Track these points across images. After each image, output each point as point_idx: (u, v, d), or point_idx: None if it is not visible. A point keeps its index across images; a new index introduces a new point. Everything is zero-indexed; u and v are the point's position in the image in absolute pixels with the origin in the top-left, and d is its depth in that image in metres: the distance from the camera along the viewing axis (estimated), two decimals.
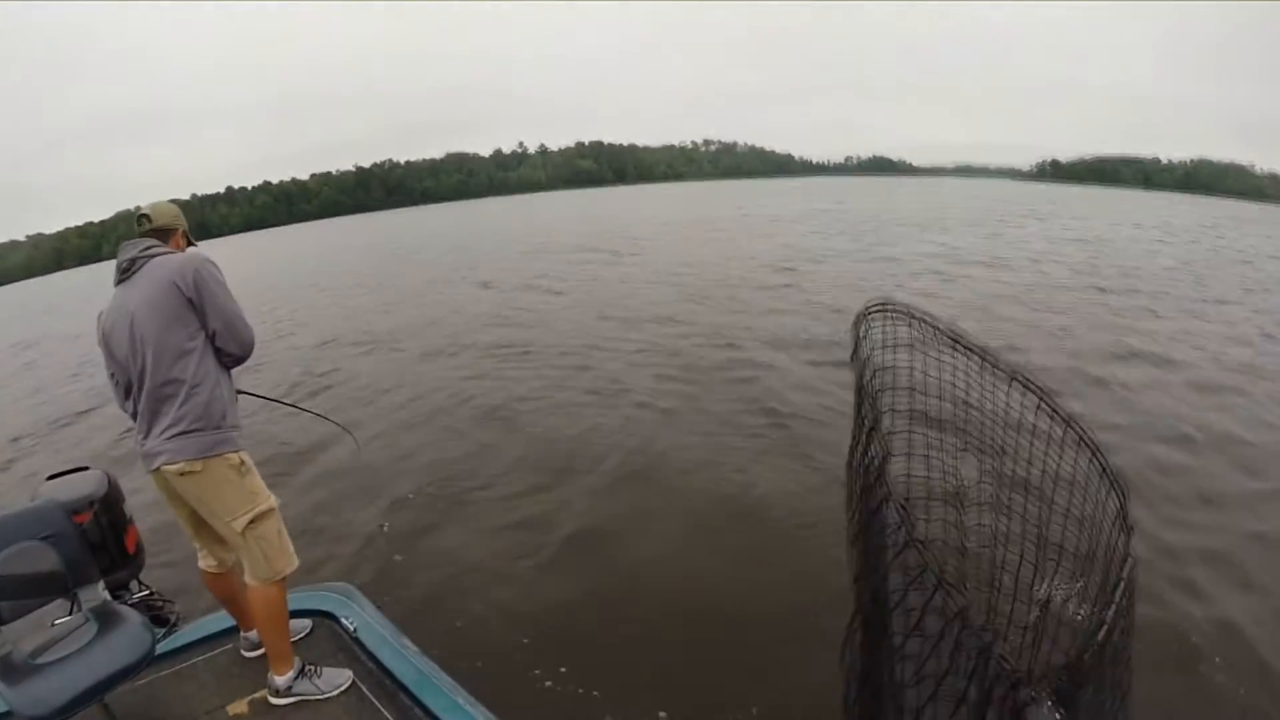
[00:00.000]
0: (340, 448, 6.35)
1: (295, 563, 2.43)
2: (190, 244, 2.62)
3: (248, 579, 2.36)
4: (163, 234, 2.45)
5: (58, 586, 2.48)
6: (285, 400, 4.06)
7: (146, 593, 3.29)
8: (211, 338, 2.28)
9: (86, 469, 3.38)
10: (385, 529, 5.13)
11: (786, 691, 3.23)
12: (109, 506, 3.17)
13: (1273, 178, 77.21)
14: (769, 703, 3.18)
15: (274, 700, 2.34)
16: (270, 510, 2.35)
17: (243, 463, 2.29)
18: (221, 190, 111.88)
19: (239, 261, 31.44)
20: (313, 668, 2.39)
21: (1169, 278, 15.27)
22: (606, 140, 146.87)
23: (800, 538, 4.60)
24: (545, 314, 12.71)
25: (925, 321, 1.64)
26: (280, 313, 15.41)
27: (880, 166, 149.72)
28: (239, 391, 2.80)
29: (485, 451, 6.42)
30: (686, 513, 5.06)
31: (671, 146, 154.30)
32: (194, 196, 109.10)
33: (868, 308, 1.70)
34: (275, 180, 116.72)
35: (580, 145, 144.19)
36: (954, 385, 1.60)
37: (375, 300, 16.34)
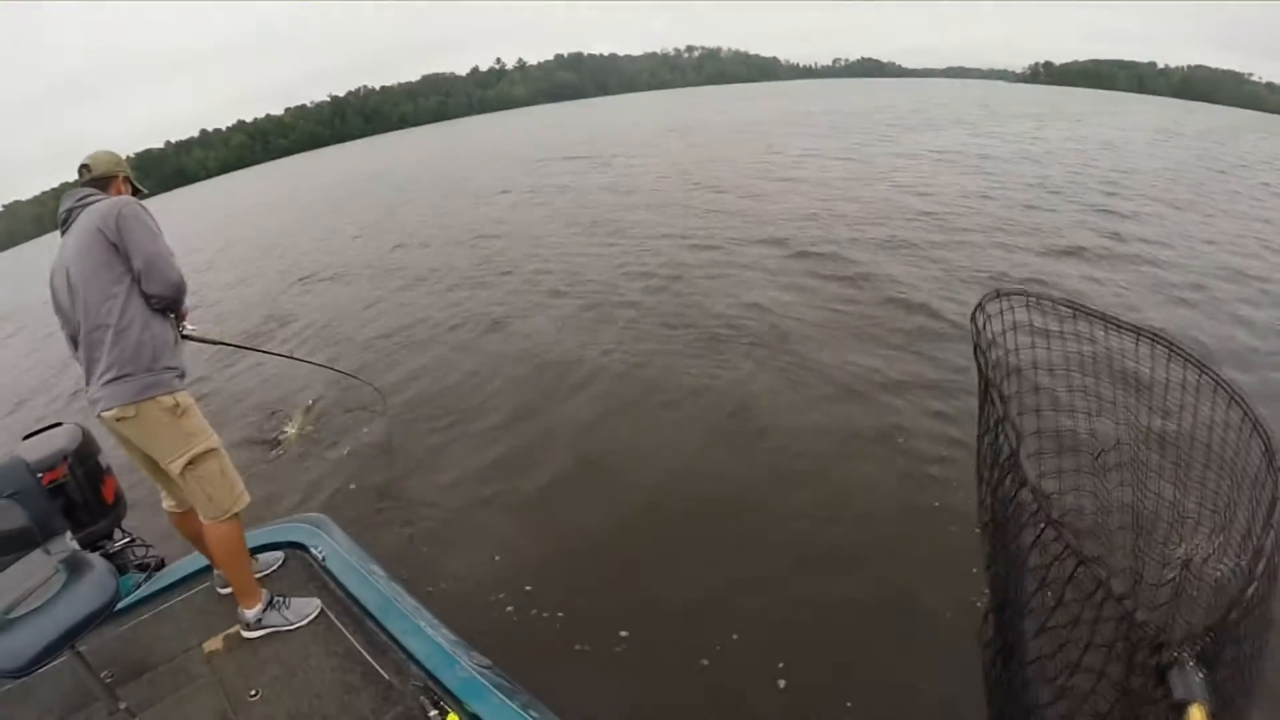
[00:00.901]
0: (333, 389, 6.43)
1: (244, 500, 2.46)
2: (136, 190, 2.61)
3: (200, 518, 2.40)
4: (102, 182, 2.48)
5: (27, 541, 2.53)
6: (236, 343, 4.03)
7: (127, 540, 3.38)
8: (137, 280, 2.27)
9: (60, 425, 3.41)
10: (358, 454, 5.22)
11: (744, 610, 3.30)
12: (83, 459, 3.20)
13: (1270, 87, 74.21)
14: (727, 622, 3.23)
15: (246, 634, 2.41)
16: (209, 451, 2.36)
17: (177, 405, 2.30)
18: (196, 134, 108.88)
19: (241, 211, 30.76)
20: (281, 599, 2.46)
21: (1166, 179, 15.03)
22: (586, 51, 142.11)
23: (772, 456, 4.61)
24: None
25: (1042, 298, 1.65)
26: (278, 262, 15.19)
27: (869, 70, 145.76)
28: (185, 336, 2.78)
29: (465, 377, 6.45)
30: (660, 429, 5.09)
31: (654, 54, 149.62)
32: (168, 144, 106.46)
33: (983, 300, 1.65)
34: (249, 119, 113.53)
35: (559, 58, 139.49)
36: (1079, 354, 1.63)
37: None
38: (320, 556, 2.73)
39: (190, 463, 2.32)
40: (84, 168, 2.48)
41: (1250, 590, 1.04)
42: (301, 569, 2.77)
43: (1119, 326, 1.51)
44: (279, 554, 2.83)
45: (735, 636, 3.15)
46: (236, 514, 2.43)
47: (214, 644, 2.42)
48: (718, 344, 6.45)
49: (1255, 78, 79.39)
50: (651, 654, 3.10)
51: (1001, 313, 1.64)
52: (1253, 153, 21.20)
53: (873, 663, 2.97)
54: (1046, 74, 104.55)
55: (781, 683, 2.91)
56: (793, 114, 37.33)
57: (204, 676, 2.29)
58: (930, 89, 65.46)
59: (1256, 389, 5.21)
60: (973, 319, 1.58)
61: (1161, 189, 13.57)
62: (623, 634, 3.20)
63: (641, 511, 4.11)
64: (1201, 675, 1.00)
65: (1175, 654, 1.02)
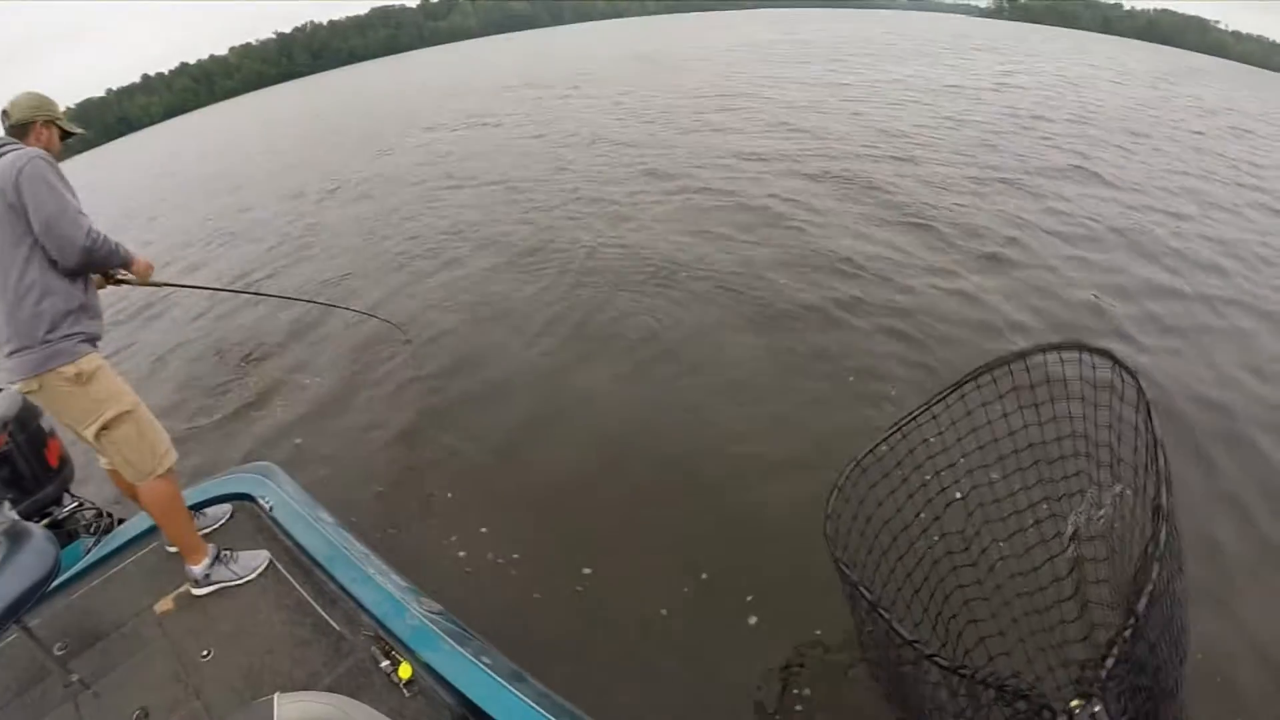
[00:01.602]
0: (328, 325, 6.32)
1: (169, 459, 2.39)
2: (65, 134, 2.43)
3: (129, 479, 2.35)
4: (20, 129, 2.30)
5: None
6: (189, 284, 3.91)
7: (76, 504, 3.31)
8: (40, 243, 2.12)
9: None
10: (303, 394, 5.18)
11: (710, 547, 3.29)
12: (23, 425, 3.11)
13: (1236, 35, 73.26)
14: (695, 561, 3.21)
15: (195, 592, 2.37)
16: (122, 414, 2.27)
17: (80, 373, 2.18)
18: (138, 80, 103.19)
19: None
20: (229, 553, 2.42)
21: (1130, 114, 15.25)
22: None
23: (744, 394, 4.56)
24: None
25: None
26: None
27: None
28: (118, 281, 2.57)
29: (427, 313, 6.36)
30: (618, 359, 5.06)
31: None
32: (109, 91, 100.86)
33: (829, 510, 2.06)
34: (192, 61, 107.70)
35: None
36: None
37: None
38: (268, 506, 2.68)
39: (104, 428, 2.23)
40: (3, 114, 2.30)
41: (1126, 631, 1.19)
42: (249, 520, 2.72)
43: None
44: (227, 507, 2.78)
45: (704, 576, 3.14)
46: (165, 472, 2.37)
47: (165, 605, 2.37)
48: (680, 291, 6.34)
49: (1222, 25, 78.19)
50: (614, 597, 3.07)
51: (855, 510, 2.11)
52: (1218, 99, 21.19)
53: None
54: (1011, 9, 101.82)
55: (752, 619, 2.90)
56: (755, 42, 36.46)
57: (156, 640, 2.25)
58: (893, 20, 64.03)
59: (1232, 296, 5.87)
60: (824, 531, 2.00)
61: (1127, 124, 13.84)
62: (586, 571, 3.20)
63: (607, 451, 4.08)
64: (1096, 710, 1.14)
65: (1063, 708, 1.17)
